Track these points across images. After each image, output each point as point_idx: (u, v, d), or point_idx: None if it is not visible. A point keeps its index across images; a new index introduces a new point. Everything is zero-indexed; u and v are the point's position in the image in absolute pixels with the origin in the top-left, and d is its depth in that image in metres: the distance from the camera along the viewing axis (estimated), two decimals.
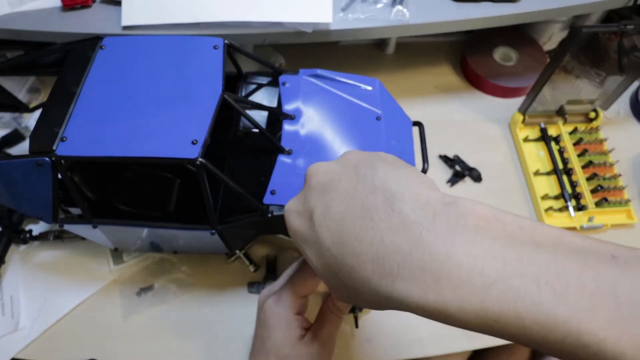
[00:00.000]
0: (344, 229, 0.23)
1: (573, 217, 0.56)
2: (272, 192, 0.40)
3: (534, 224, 0.20)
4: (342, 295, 0.25)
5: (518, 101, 0.63)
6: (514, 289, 0.18)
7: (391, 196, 0.22)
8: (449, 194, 0.23)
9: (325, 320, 0.33)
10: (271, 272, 0.51)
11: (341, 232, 0.23)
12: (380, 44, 0.72)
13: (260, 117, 0.47)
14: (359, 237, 0.22)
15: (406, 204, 0.22)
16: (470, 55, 0.69)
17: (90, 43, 0.42)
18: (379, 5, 0.53)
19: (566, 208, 0.57)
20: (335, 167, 0.27)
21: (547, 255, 0.18)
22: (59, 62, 0.44)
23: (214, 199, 0.38)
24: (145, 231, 0.42)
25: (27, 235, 0.51)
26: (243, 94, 0.49)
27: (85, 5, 0.51)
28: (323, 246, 0.24)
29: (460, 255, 0.19)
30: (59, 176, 0.37)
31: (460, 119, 0.66)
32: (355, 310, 0.47)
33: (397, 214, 0.22)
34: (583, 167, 0.59)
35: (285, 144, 0.42)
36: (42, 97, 0.63)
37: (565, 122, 0.63)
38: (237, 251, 0.51)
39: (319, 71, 0.47)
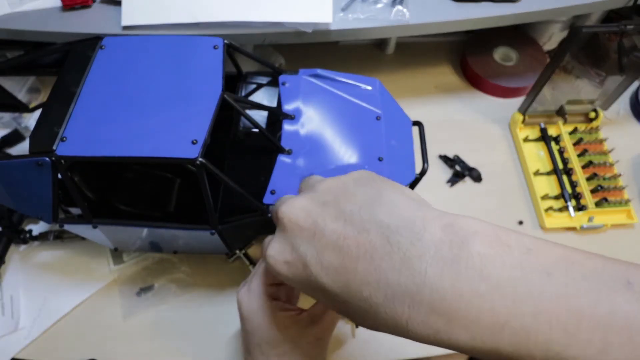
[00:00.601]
0: (346, 274, 0.22)
1: (573, 217, 0.56)
2: (272, 192, 0.40)
3: (540, 245, 0.19)
4: (360, 324, 0.24)
5: (518, 101, 0.63)
6: (525, 329, 0.17)
7: (386, 229, 0.21)
8: (440, 210, 0.22)
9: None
10: None
11: (345, 278, 0.22)
12: (380, 44, 0.72)
13: (260, 117, 0.47)
14: (364, 280, 0.21)
15: (403, 235, 0.21)
16: (470, 55, 0.69)
17: (90, 43, 0.42)
18: (379, 5, 0.53)
19: (566, 208, 0.57)
20: (311, 205, 0.25)
21: (557, 287, 0.18)
22: (59, 62, 0.44)
23: (214, 199, 0.38)
24: (145, 231, 0.42)
25: (27, 235, 0.51)
26: (243, 94, 0.49)
27: (85, 5, 0.51)
28: (330, 293, 0.23)
29: (469, 294, 0.18)
30: (59, 176, 0.37)
31: (460, 119, 0.66)
32: None
33: (396, 249, 0.21)
34: (583, 167, 0.59)
35: (285, 143, 0.42)
36: (42, 97, 0.63)
37: (565, 122, 0.63)
38: (237, 251, 0.51)
39: (319, 71, 0.47)
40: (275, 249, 0.26)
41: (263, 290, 0.32)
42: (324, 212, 0.24)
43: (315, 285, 0.23)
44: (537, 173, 0.60)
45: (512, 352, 0.18)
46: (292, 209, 0.26)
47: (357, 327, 0.48)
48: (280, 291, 0.34)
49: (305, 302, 0.35)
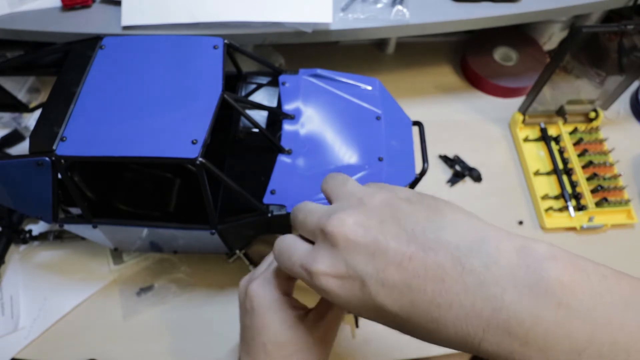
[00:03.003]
0: (411, 295, 0.21)
1: (573, 217, 0.56)
2: (272, 192, 0.40)
3: (616, 275, 0.20)
4: (401, 332, 0.24)
5: (518, 101, 0.63)
6: (603, 357, 0.18)
7: (455, 250, 0.21)
8: (503, 229, 0.22)
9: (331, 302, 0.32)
10: None
11: (409, 299, 0.21)
12: (380, 44, 0.72)
13: (260, 117, 0.47)
14: (434, 302, 0.21)
15: (475, 258, 0.20)
16: (470, 55, 0.69)
17: (90, 43, 0.42)
18: (379, 5, 0.53)
19: (566, 208, 0.57)
20: (367, 221, 0.24)
21: (636, 318, 0.18)
22: (59, 62, 0.44)
23: (214, 198, 0.38)
24: (145, 231, 0.42)
25: (27, 235, 0.51)
26: (243, 93, 0.49)
27: (85, 5, 0.51)
28: (388, 313, 0.22)
29: (547, 320, 0.18)
30: (59, 176, 0.37)
31: (460, 119, 0.66)
32: None
33: (469, 272, 0.20)
34: (583, 167, 0.59)
35: (285, 143, 0.42)
36: (42, 97, 0.63)
37: (565, 122, 0.63)
38: (237, 251, 0.51)
39: (319, 71, 0.47)
40: (326, 265, 0.24)
41: (281, 284, 0.31)
42: (384, 229, 0.23)
43: (372, 305, 0.23)
44: (537, 173, 0.60)
45: None
46: (345, 223, 0.24)
47: (357, 327, 0.48)
48: (291, 286, 0.33)
49: (300, 296, 0.35)
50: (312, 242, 0.27)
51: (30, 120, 0.60)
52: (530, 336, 0.19)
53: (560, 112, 0.63)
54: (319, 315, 0.31)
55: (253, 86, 0.50)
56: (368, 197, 0.25)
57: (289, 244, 0.28)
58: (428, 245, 0.22)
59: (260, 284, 0.31)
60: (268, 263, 0.33)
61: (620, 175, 0.59)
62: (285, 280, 0.31)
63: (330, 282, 0.24)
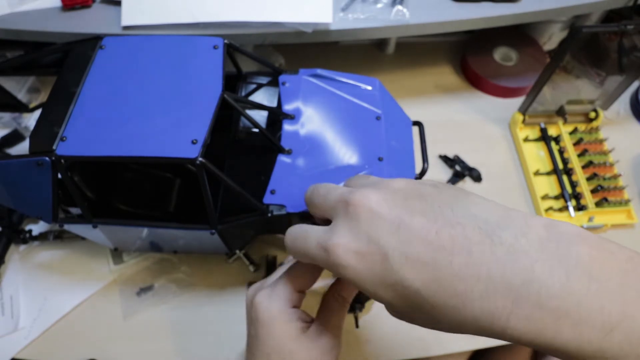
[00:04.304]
0: (436, 269, 0.21)
1: (573, 217, 0.56)
2: (272, 192, 0.40)
3: (637, 254, 0.20)
4: (416, 321, 0.23)
5: (518, 101, 0.63)
6: (636, 332, 0.17)
7: (484, 223, 0.21)
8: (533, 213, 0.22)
9: (331, 309, 0.31)
10: (271, 272, 0.51)
11: (433, 273, 0.21)
12: (380, 44, 0.72)
13: (260, 117, 0.47)
14: (460, 275, 0.20)
15: (505, 231, 0.20)
16: (470, 55, 0.69)
17: (90, 43, 0.42)
18: (379, 5, 0.53)
19: (566, 208, 0.57)
20: (392, 197, 0.23)
21: None
22: (59, 62, 0.44)
23: (214, 198, 0.38)
24: (145, 231, 0.42)
25: (27, 235, 0.51)
26: (243, 93, 0.49)
27: (85, 5, 0.51)
28: (409, 288, 0.22)
29: (579, 293, 0.18)
30: (59, 176, 0.37)
31: (460, 119, 0.66)
32: (355, 310, 0.47)
33: (498, 244, 0.20)
34: (583, 167, 0.59)
35: (285, 143, 0.42)
36: (42, 97, 0.63)
37: (565, 122, 0.63)
38: (237, 251, 0.51)
39: (319, 71, 0.47)
40: (345, 238, 0.23)
41: (288, 296, 0.30)
42: (410, 205, 0.23)
43: (393, 280, 0.22)
44: (537, 173, 0.60)
45: (620, 355, 0.18)
46: (368, 196, 0.24)
47: (357, 327, 0.48)
48: (300, 299, 0.32)
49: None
50: (327, 225, 0.26)
51: (30, 120, 0.60)
52: (562, 310, 0.18)
53: (560, 112, 0.63)
54: (322, 325, 0.30)
55: (253, 86, 0.50)
56: (389, 182, 0.25)
57: (304, 229, 0.27)
58: (456, 220, 0.21)
59: (267, 294, 0.30)
60: (278, 274, 0.33)
61: (620, 175, 0.59)
62: (294, 292, 0.31)
63: (349, 256, 0.23)
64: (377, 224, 0.23)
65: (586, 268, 0.19)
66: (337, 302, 0.31)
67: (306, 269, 0.31)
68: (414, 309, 0.22)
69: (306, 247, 0.26)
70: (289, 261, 0.34)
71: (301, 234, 0.27)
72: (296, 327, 0.30)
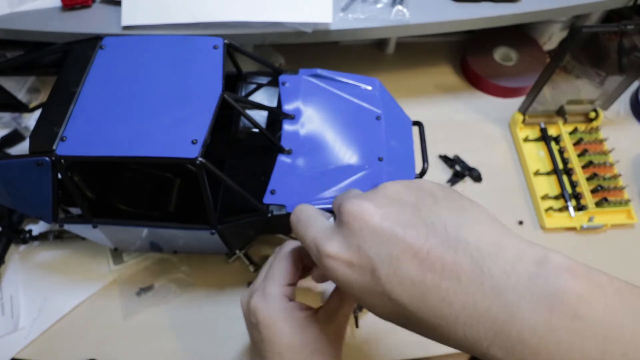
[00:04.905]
0: (424, 288, 0.21)
1: (573, 217, 0.56)
2: (272, 192, 0.40)
3: (629, 288, 0.20)
4: (405, 328, 0.24)
5: (518, 101, 0.63)
6: None
7: (475, 251, 0.21)
8: (529, 240, 0.22)
9: (342, 298, 0.31)
10: None
11: (421, 292, 0.21)
12: (380, 44, 0.72)
13: (260, 117, 0.47)
14: (446, 299, 0.20)
15: (495, 263, 0.20)
16: (470, 55, 0.69)
17: (90, 43, 0.42)
18: (379, 5, 0.53)
19: (566, 208, 0.57)
20: (385, 206, 0.23)
21: None
22: (59, 62, 0.44)
23: (214, 198, 0.38)
24: (145, 231, 0.42)
25: (27, 235, 0.51)
26: (243, 93, 0.49)
27: (85, 5, 0.51)
28: (396, 302, 0.22)
29: (562, 333, 0.19)
30: (59, 176, 0.37)
31: (460, 119, 0.66)
32: (355, 310, 0.47)
33: (487, 276, 0.20)
34: (583, 167, 0.59)
35: (285, 143, 0.42)
36: (42, 97, 0.63)
37: (565, 122, 0.63)
38: (237, 251, 0.51)
39: (319, 71, 0.47)
40: (338, 248, 0.24)
41: (281, 291, 0.31)
42: (402, 216, 0.23)
43: (380, 293, 0.22)
44: (537, 173, 0.60)
45: None
46: (361, 206, 0.24)
47: (357, 327, 0.48)
48: (293, 290, 0.32)
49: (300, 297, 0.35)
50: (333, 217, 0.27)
51: (30, 120, 0.60)
52: (542, 346, 0.19)
53: (560, 112, 0.63)
54: (330, 313, 0.31)
55: (253, 86, 0.50)
56: (384, 187, 0.25)
57: (310, 215, 0.28)
58: (447, 242, 0.21)
59: (260, 296, 0.31)
60: (264, 274, 0.33)
61: (620, 175, 0.59)
62: (284, 286, 0.31)
63: (338, 265, 0.24)
64: (366, 234, 0.23)
65: (571, 306, 0.19)
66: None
67: (289, 264, 0.32)
68: (400, 319, 0.23)
69: (305, 237, 0.27)
70: (272, 257, 0.34)
71: (305, 221, 0.28)
72: (301, 317, 0.30)
